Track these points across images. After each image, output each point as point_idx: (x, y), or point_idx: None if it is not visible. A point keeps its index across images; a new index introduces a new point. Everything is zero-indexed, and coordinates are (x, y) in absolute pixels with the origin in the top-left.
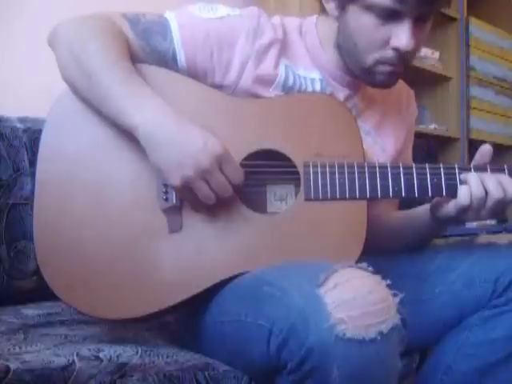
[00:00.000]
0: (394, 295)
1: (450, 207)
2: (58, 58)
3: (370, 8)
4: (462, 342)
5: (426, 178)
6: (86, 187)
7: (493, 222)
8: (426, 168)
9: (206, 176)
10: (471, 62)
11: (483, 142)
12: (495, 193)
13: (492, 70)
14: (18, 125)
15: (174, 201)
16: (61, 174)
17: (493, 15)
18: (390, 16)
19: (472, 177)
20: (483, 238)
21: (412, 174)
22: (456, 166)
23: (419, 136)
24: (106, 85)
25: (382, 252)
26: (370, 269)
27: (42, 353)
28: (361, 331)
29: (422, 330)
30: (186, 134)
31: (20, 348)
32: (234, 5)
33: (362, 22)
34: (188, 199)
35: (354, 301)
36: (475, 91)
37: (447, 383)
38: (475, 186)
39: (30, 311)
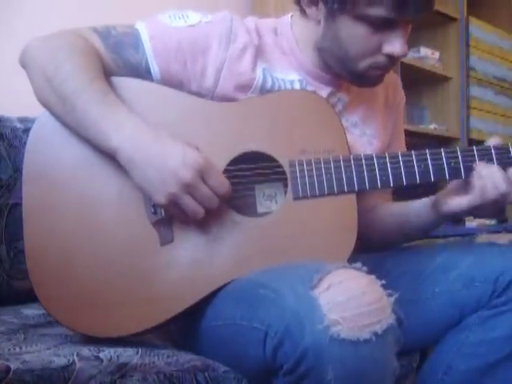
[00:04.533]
0: (389, 295)
1: (463, 204)
2: (31, 80)
3: (362, 18)
4: (462, 341)
5: (413, 165)
6: (73, 208)
7: (493, 221)
8: (411, 155)
9: (190, 190)
10: (471, 62)
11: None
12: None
13: (492, 70)
14: (18, 125)
15: (163, 213)
16: (46, 196)
17: (493, 15)
18: (383, 24)
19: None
20: (483, 238)
21: (398, 162)
22: (442, 150)
23: (419, 136)
24: (80, 109)
25: (380, 250)
26: (364, 268)
27: (42, 353)
28: (355, 332)
29: (422, 330)
30: (164, 150)
31: (20, 348)
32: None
33: (355, 32)
34: (176, 214)
35: (348, 302)
36: (475, 91)
37: (447, 383)
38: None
39: (30, 311)
